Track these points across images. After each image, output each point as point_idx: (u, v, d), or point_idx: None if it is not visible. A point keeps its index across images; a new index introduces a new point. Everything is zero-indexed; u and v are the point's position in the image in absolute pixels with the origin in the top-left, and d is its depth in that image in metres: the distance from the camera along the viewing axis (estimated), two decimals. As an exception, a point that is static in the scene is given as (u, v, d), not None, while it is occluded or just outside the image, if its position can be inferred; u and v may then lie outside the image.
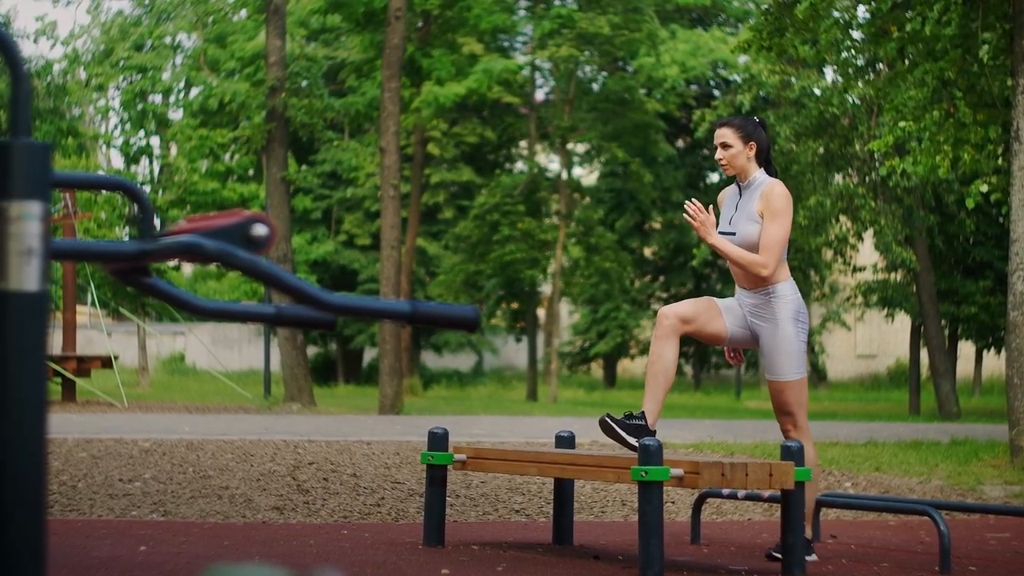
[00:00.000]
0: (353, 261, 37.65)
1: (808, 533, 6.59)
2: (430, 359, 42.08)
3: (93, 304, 24.40)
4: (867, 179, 24.99)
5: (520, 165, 37.80)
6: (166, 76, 35.99)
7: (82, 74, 37.41)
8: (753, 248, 6.51)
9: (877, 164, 24.40)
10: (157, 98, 36.19)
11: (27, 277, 2.15)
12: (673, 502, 8.93)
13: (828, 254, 30.44)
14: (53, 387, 20.18)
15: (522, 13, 32.23)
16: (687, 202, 6.62)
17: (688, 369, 42.30)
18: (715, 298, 6.70)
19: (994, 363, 38.22)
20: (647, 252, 39.63)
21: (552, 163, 36.34)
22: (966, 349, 36.05)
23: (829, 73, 25.71)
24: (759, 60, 21.99)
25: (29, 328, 2.16)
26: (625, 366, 44.03)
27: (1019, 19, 11.82)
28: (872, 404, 31.42)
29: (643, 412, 6.49)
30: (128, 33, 36.49)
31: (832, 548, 7.13)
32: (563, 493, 7.09)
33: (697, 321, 6.55)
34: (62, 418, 15.63)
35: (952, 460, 12.04)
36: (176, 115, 36.88)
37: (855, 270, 28.45)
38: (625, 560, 6.44)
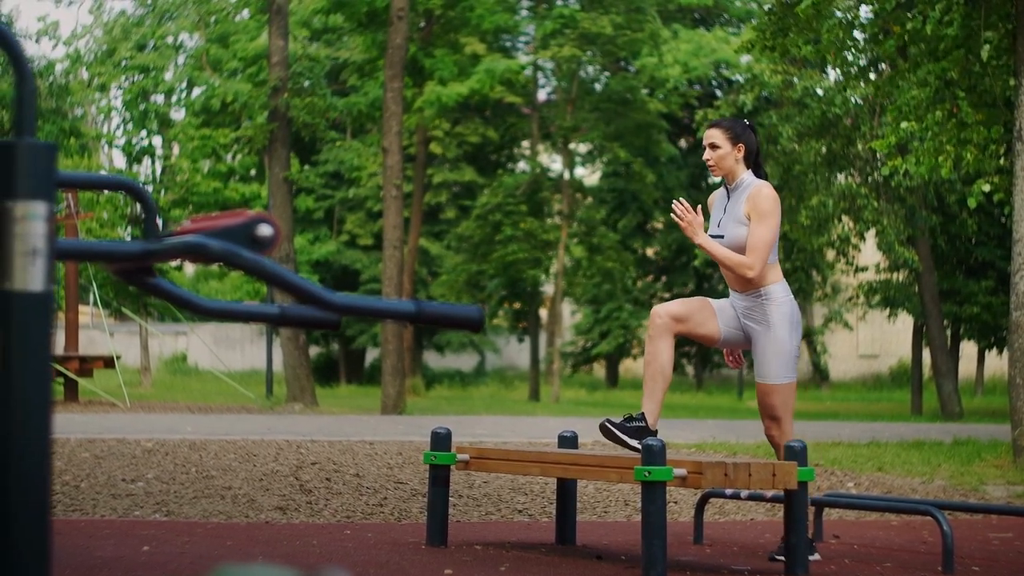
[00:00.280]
0: (355, 261, 37.66)
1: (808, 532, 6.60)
2: (432, 359, 42.08)
3: (95, 304, 24.40)
4: (869, 179, 24.98)
5: (522, 165, 37.80)
6: (168, 76, 35.98)
7: (84, 74, 37.41)
8: (741, 251, 6.50)
9: (879, 164, 24.39)
10: (159, 98, 36.18)
11: (32, 277, 2.15)
12: (676, 502, 8.93)
13: (830, 254, 30.44)
14: (56, 387, 20.19)
15: (524, 13, 32.23)
16: (675, 201, 6.61)
17: (690, 369, 42.30)
18: (709, 299, 6.69)
19: (996, 363, 38.21)
20: (649, 252, 39.63)
21: (554, 163, 36.33)
22: (968, 349, 36.02)
23: (831, 73, 25.70)
24: (761, 60, 21.98)
25: (34, 328, 2.16)
26: (627, 366, 44.02)
27: (1022, 19, 11.82)
28: (874, 404, 31.41)
29: (643, 413, 6.49)
30: (130, 33, 36.50)
31: (835, 548, 7.12)
32: (566, 493, 7.09)
33: (690, 321, 6.54)
34: (65, 418, 15.63)
35: (955, 460, 12.04)
36: (178, 115, 36.88)
37: (857, 270, 28.45)
38: (628, 560, 6.43)
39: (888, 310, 29.46)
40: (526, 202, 30.87)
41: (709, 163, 6.65)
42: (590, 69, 32.42)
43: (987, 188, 14.03)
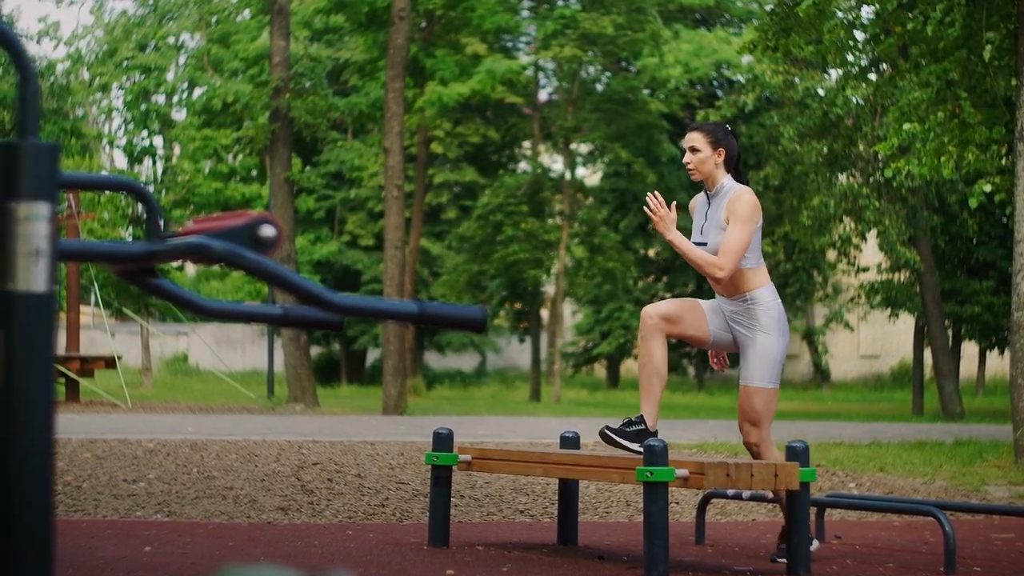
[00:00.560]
0: (356, 261, 37.66)
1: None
2: (433, 359, 42.08)
3: (96, 304, 24.41)
4: (871, 179, 24.97)
5: (523, 165, 37.79)
6: (170, 76, 35.99)
7: (85, 75, 37.42)
8: None
9: (881, 165, 24.38)
10: (160, 98, 36.19)
11: (35, 278, 2.15)
12: (677, 503, 8.92)
13: (832, 254, 30.43)
14: (57, 387, 20.16)
15: (525, 13, 32.23)
16: (648, 195, 6.59)
17: (691, 370, 42.31)
18: (699, 300, 6.68)
19: (997, 363, 38.20)
20: (650, 252, 39.62)
21: (555, 163, 36.33)
22: (969, 349, 36.01)
23: (832, 73, 25.70)
24: (763, 60, 21.98)
25: (37, 329, 2.16)
26: (628, 366, 44.01)
27: (1023, 19, 11.81)
28: (875, 404, 31.41)
29: (641, 416, 6.49)
30: (132, 33, 36.50)
31: (837, 548, 7.12)
32: (568, 494, 7.08)
33: (681, 323, 6.53)
34: (66, 418, 15.63)
35: (956, 461, 12.03)
36: (180, 115, 36.88)
37: (859, 270, 28.44)
38: (630, 560, 6.43)
39: (889, 310, 29.45)
40: (527, 202, 30.87)
41: (689, 166, 6.61)
42: (591, 69, 32.42)
43: (988, 188, 14.02)
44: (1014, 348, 11.60)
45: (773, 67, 24.04)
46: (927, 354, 26.57)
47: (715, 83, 37.02)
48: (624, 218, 37.76)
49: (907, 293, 27.85)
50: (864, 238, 25.82)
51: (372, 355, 40.21)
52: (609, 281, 32.98)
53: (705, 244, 6.53)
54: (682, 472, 5.79)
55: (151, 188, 31.05)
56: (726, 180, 6.59)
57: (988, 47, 12.19)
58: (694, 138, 6.62)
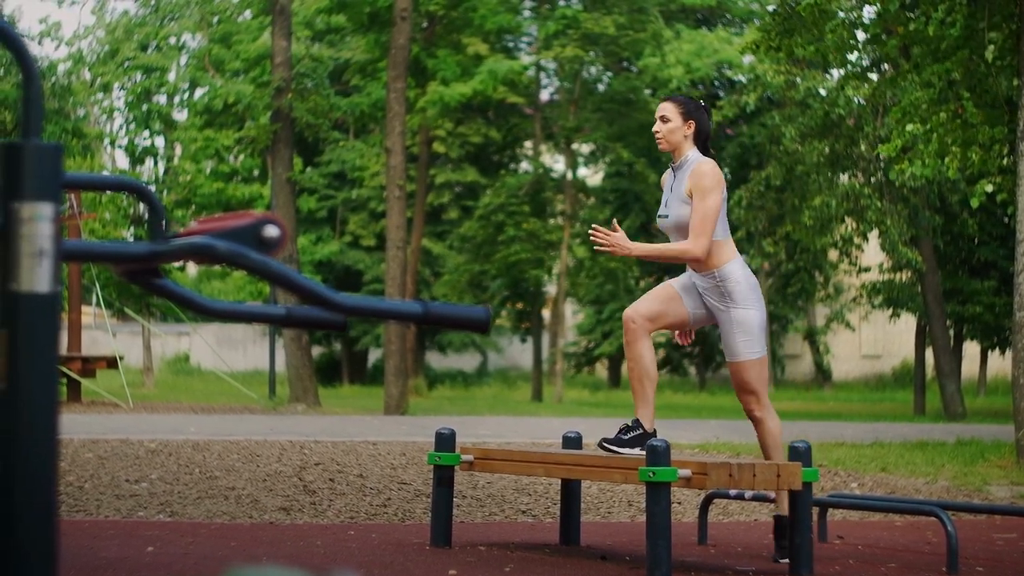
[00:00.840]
0: (358, 261, 37.67)
1: (785, 508, 6.55)
2: (434, 359, 42.09)
3: (98, 304, 24.41)
4: (872, 179, 24.97)
5: (525, 165, 37.79)
6: (171, 77, 35.99)
7: (87, 75, 37.42)
8: (686, 228, 6.44)
9: (883, 166, 24.38)
10: (162, 99, 36.19)
11: (39, 279, 2.15)
12: (679, 503, 8.92)
13: (833, 254, 30.43)
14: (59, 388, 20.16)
15: (527, 14, 32.23)
16: (591, 230, 6.55)
17: (692, 370, 42.30)
18: (671, 282, 6.64)
19: (998, 363, 38.20)
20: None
21: (557, 163, 36.33)
22: (971, 349, 36.01)
23: (834, 73, 25.69)
24: (765, 60, 21.98)
25: (41, 329, 2.16)
26: (630, 366, 43.99)
27: (1025, 19, 11.81)
28: (877, 404, 31.40)
29: (637, 420, 6.48)
30: (133, 33, 36.51)
31: (839, 548, 7.12)
32: (570, 494, 7.08)
33: (663, 317, 6.53)
34: (68, 418, 15.62)
35: (958, 460, 12.03)
36: (181, 116, 36.89)
37: (860, 270, 28.43)
38: (632, 561, 6.43)
39: (891, 310, 29.45)
40: (529, 202, 30.87)
41: (657, 136, 6.58)
42: (593, 69, 32.42)
43: (990, 188, 14.02)
44: (1016, 348, 11.59)
45: (775, 67, 24.04)
46: (929, 354, 26.56)
47: (717, 83, 37.02)
48: (626, 218, 37.75)
49: (909, 293, 27.85)
50: (866, 238, 25.81)
51: (374, 355, 40.22)
52: (610, 281, 33.00)
53: (666, 216, 6.50)
54: (685, 472, 5.78)
55: (153, 188, 31.06)
56: (691, 153, 6.55)
57: (990, 47, 12.18)
58: (665, 108, 6.60)
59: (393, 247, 20.87)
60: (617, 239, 6.45)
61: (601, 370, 44.26)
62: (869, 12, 15.21)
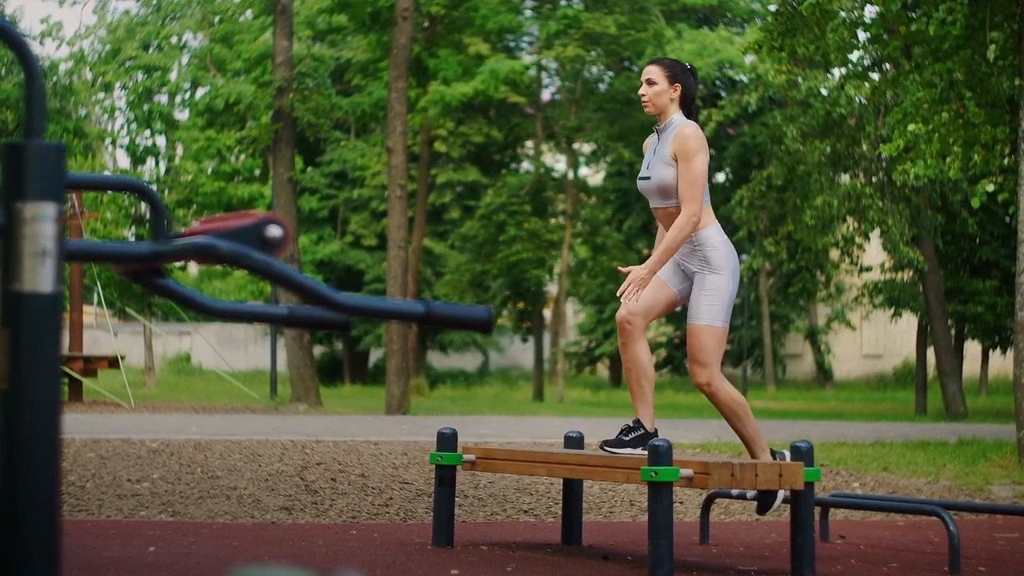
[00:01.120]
0: (359, 261, 37.68)
1: (770, 459, 6.50)
2: (436, 359, 42.10)
3: (99, 304, 24.42)
4: (874, 179, 24.98)
5: (526, 165, 37.80)
6: (173, 76, 36.01)
7: (88, 74, 37.44)
8: (668, 190, 6.40)
9: (884, 165, 24.39)
10: (163, 98, 36.22)
11: (41, 279, 2.15)
12: (681, 502, 8.92)
13: (835, 254, 30.43)
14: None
15: (528, 13, 32.23)
16: (620, 291, 6.45)
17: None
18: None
19: (999, 363, 38.20)
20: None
21: (558, 163, 36.34)
22: (972, 349, 36.02)
23: (836, 72, 25.70)
24: (766, 60, 21.98)
25: (43, 329, 2.15)
26: (631, 366, 44.02)
27: (1027, 19, 11.80)
28: (878, 404, 31.40)
29: (638, 420, 6.47)
30: (135, 32, 36.53)
31: (841, 548, 7.12)
32: (572, 493, 7.08)
33: (655, 308, 6.51)
34: (69, 418, 15.63)
35: (960, 460, 12.02)
36: (182, 115, 36.90)
37: (862, 270, 28.44)
38: (634, 560, 6.43)
39: (893, 310, 29.47)
40: (530, 202, 30.88)
41: (644, 99, 6.54)
42: (594, 69, 32.43)
43: (991, 188, 14.02)
44: (1018, 347, 11.59)
45: (776, 67, 24.05)
46: (930, 353, 26.58)
47: (718, 83, 37.02)
48: (627, 218, 37.77)
49: (910, 293, 27.85)
50: (867, 238, 25.81)
51: (375, 355, 40.23)
52: (612, 281, 32.98)
53: (648, 178, 6.47)
54: (687, 472, 5.78)
55: (154, 188, 31.05)
56: (676, 116, 6.52)
57: (992, 47, 12.18)
58: (651, 71, 6.56)
59: (394, 247, 20.87)
60: (636, 274, 6.38)
61: (602, 370, 44.27)
62: (870, 12, 15.21)
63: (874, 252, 32.99)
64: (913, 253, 23.80)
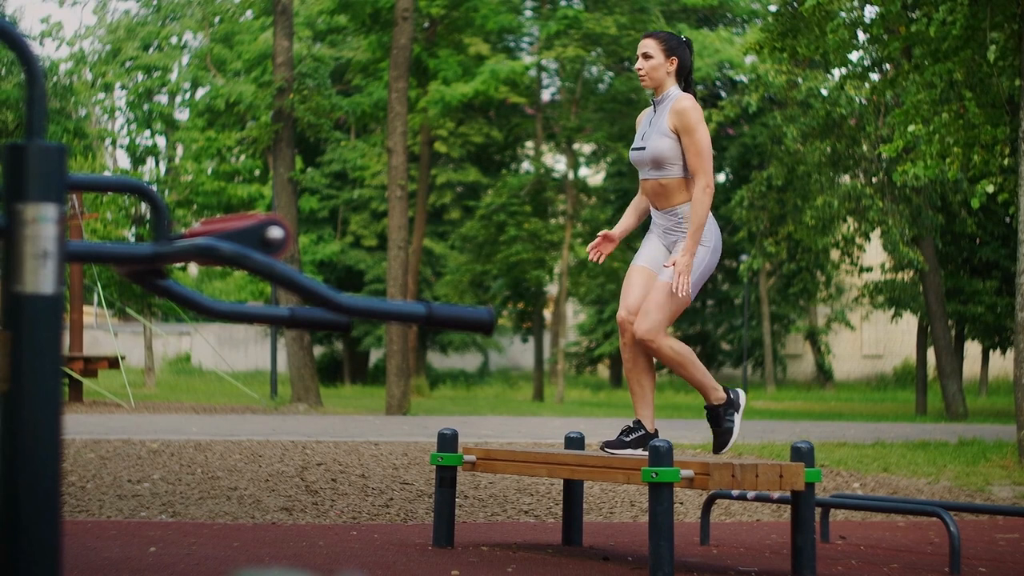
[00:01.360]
0: (359, 261, 37.68)
1: (723, 396, 6.49)
2: (436, 359, 42.10)
3: (99, 304, 24.42)
4: (874, 180, 24.98)
5: (526, 165, 37.80)
6: (173, 76, 36.01)
7: (88, 75, 37.44)
8: (661, 160, 6.38)
9: (884, 165, 24.39)
10: (163, 98, 36.22)
11: (42, 280, 2.14)
12: (681, 503, 8.92)
13: (835, 254, 30.42)
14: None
15: (528, 14, 32.23)
16: (677, 283, 6.36)
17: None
18: (635, 263, 6.55)
19: (1000, 363, 38.20)
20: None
21: (558, 163, 36.35)
22: (972, 349, 36.02)
23: (836, 73, 25.70)
24: (767, 61, 21.98)
25: (44, 331, 2.15)
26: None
27: (1027, 19, 11.80)
28: (878, 404, 31.40)
29: (638, 421, 6.47)
30: (135, 32, 36.53)
31: (842, 549, 7.12)
32: (572, 494, 7.08)
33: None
34: (69, 418, 15.63)
35: (960, 461, 12.02)
36: (182, 115, 36.91)
37: (862, 270, 28.43)
38: (635, 561, 6.43)
39: (893, 310, 29.46)
40: (530, 202, 30.89)
41: (640, 73, 6.53)
42: (594, 69, 32.42)
43: (991, 189, 14.01)
44: (1018, 348, 11.58)
45: (776, 67, 24.04)
46: (930, 354, 26.57)
47: (718, 83, 37.02)
48: (627, 218, 37.73)
49: (910, 293, 27.85)
50: (867, 238, 25.81)
51: (375, 355, 40.23)
52: (612, 281, 32.98)
53: (643, 148, 6.44)
54: (687, 473, 5.78)
55: (154, 188, 31.06)
56: (673, 89, 6.51)
57: (992, 47, 12.17)
58: (647, 44, 6.54)
59: (394, 247, 20.87)
60: (683, 270, 6.29)
61: (603, 370, 44.26)
62: (871, 12, 15.21)
63: (874, 252, 32.99)
64: (913, 253, 23.79)
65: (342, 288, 36.28)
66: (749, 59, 28.98)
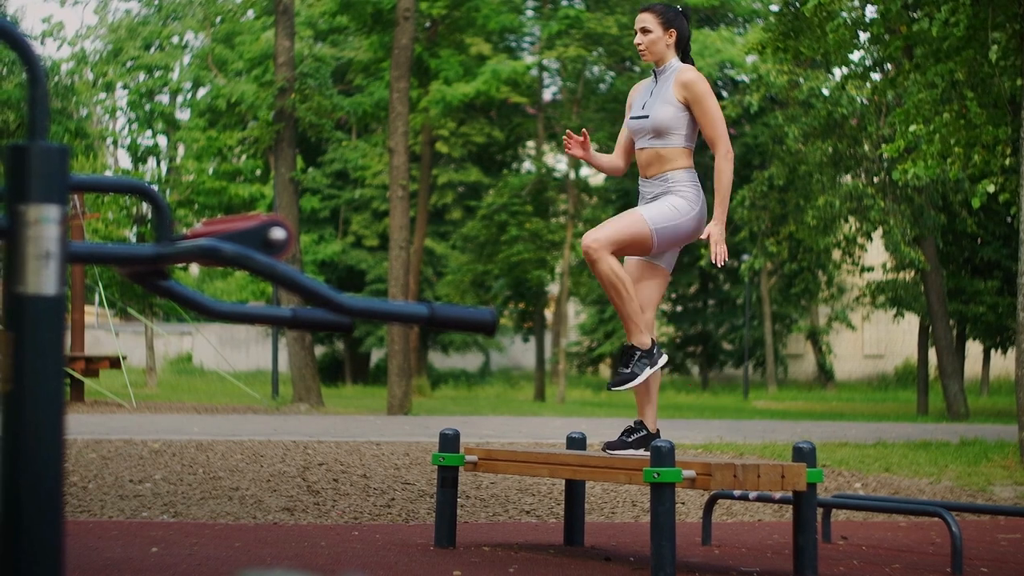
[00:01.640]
0: (360, 261, 37.69)
1: (646, 342, 6.43)
2: (437, 359, 42.10)
3: (101, 304, 24.42)
4: (875, 179, 24.97)
5: (528, 165, 37.80)
6: (174, 76, 36.03)
7: (89, 75, 37.45)
8: (663, 129, 6.39)
9: (886, 165, 24.38)
10: (165, 98, 36.23)
11: (45, 281, 2.14)
12: (683, 503, 8.92)
13: (837, 254, 30.42)
14: (62, 387, 20.10)
15: (530, 14, 32.24)
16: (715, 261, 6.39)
17: (695, 369, 42.28)
18: (628, 262, 6.56)
19: (1001, 363, 38.19)
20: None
21: (560, 163, 36.33)
22: (973, 349, 36.01)
23: (837, 72, 25.69)
24: (768, 61, 21.98)
25: (47, 332, 2.15)
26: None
27: (1029, 19, 11.79)
28: (880, 404, 31.39)
29: (640, 421, 6.46)
30: (136, 32, 36.54)
31: (843, 549, 7.12)
32: (574, 494, 7.08)
33: (654, 297, 6.51)
34: (71, 418, 15.63)
35: (962, 461, 12.01)
36: (184, 115, 36.92)
37: (863, 270, 28.43)
38: (637, 561, 6.43)
39: (895, 310, 29.46)
40: (531, 202, 30.89)
41: (640, 48, 6.54)
42: (595, 69, 32.42)
43: (991, 189, 14.01)
44: (1019, 348, 11.58)
45: (778, 67, 24.04)
46: (931, 354, 26.56)
47: (719, 83, 37.01)
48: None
49: (912, 293, 27.84)
50: (869, 238, 25.80)
51: (376, 355, 40.23)
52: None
53: (646, 117, 6.45)
54: (689, 473, 5.78)
55: (156, 188, 31.07)
56: (674, 60, 6.54)
57: (994, 47, 12.17)
58: (645, 19, 6.55)
59: (396, 247, 20.87)
60: (718, 239, 6.31)
61: (604, 370, 44.26)
62: (871, 12, 15.21)
63: (876, 252, 32.98)
64: (915, 253, 23.79)
65: (343, 288, 36.29)
66: (750, 59, 28.97)
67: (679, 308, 41.47)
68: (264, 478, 9.49)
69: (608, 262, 6.24)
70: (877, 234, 26.44)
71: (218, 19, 35.57)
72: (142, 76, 36.30)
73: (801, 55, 14.71)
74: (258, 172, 34.14)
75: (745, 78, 32.72)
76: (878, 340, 45.14)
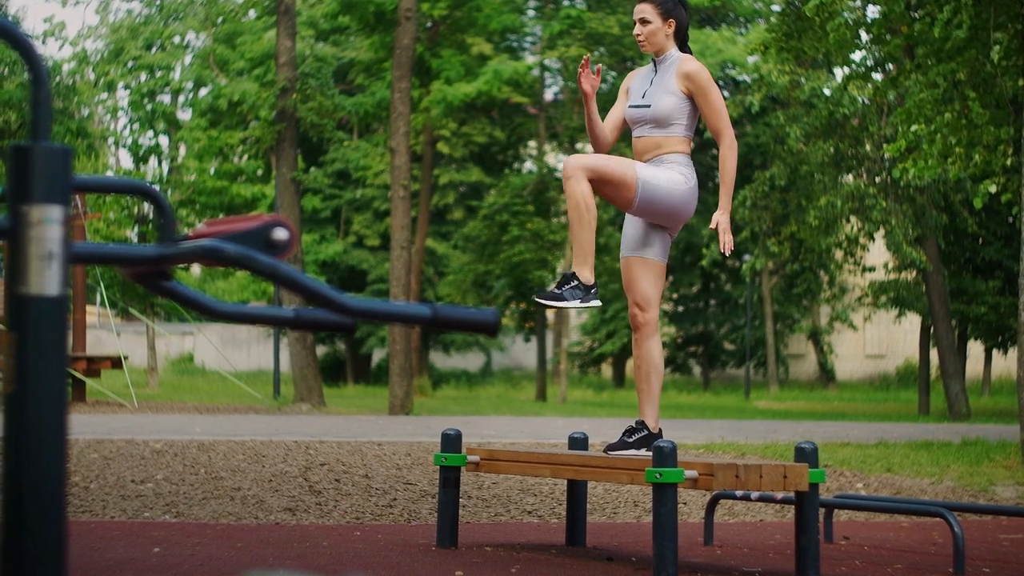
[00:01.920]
0: (362, 261, 37.69)
1: (589, 278, 6.38)
2: (439, 359, 42.10)
3: (102, 304, 24.41)
4: (877, 179, 24.97)
5: (529, 165, 37.80)
6: (176, 76, 36.03)
7: (91, 74, 37.46)
8: (663, 119, 6.39)
9: (887, 165, 24.38)
10: (166, 98, 36.23)
11: (47, 282, 2.14)
12: (685, 503, 8.92)
13: (838, 254, 30.41)
14: (63, 387, 20.09)
15: (531, 13, 32.24)
16: (721, 248, 6.45)
17: (697, 369, 42.27)
18: (626, 247, 6.55)
19: (1002, 363, 38.18)
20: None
21: (561, 163, 36.33)
22: (975, 349, 36.00)
23: (838, 72, 25.69)
24: (771, 61, 21.99)
25: (49, 332, 2.15)
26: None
27: (1031, 19, 11.79)
28: (881, 404, 31.39)
29: (642, 421, 6.46)
30: (138, 32, 36.55)
31: (845, 549, 7.12)
32: (576, 494, 7.08)
33: (655, 291, 6.50)
34: (73, 418, 15.62)
35: (963, 461, 12.01)
36: (185, 115, 36.92)
37: (865, 270, 28.43)
38: (639, 561, 6.43)
39: (897, 310, 29.46)
40: (533, 202, 30.88)
41: (639, 38, 6.53)
42: (596, 69, 32.40)
43: (993, 189, 14.01)
44: (1021, 348, 11.58)
45: (779, 67, 24.04)
46: (933, 354, 26.55)
47: (720, 83, 37.01)
48: (630, 218, 37.71)
49: (914, 293, 27.83)
50: (871, 238, 25.80)
51: (378, 355, 40.23)
52: (614, 280, 32.96)
53: (648, 106, 6.44)
54: (691, 473, 5.78)
55: (157, 188, 31.07)
56: (674, 51, 6.54)
57: (996, 47, 12.17)
58: (644, 9, 6.54)
59: (397, 247, 20.87)
60: (726, 227, 6.33)
61: (606, 370, 44.26)
62: (873, 12, 15.21)
63: (877, 252, 32.97)
64: (916, 253, 23.78)
65: (345, 288, 36.29)
66: (752, 59, 28.96)
67: (681, 308, 41.47)
68: (266, 478, 9.49)
69: (581, 185, 6.23)
70: (879, 234, 26.43)
71: (219, 19, 35.57)
72: (143, 76, 36.31)
73: (804, 55, 14.70)
74: (259, 172, 34.14)
75: (746, 78, 32.71)
76: (879, 340, 45.13)
